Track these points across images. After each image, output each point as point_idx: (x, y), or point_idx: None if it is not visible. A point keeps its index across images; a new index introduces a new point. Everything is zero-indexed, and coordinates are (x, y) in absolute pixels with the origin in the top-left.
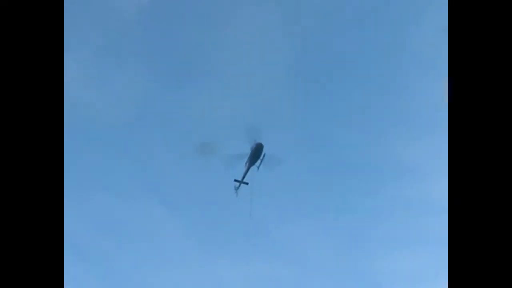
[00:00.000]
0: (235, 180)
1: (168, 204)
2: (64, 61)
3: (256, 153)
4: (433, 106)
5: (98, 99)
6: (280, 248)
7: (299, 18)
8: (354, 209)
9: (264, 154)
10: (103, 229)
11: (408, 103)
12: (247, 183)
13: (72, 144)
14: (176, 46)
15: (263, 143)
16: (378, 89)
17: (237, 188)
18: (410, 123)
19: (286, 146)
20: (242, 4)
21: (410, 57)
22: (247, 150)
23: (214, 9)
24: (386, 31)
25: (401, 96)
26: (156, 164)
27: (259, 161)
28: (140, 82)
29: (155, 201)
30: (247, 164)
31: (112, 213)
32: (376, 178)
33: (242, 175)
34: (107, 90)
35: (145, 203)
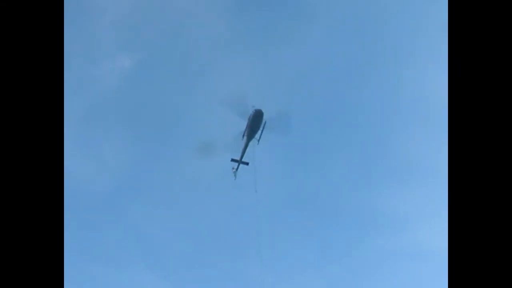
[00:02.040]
0: (232, 160)
1: (158, 269)
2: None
3: (255, 122)
4: (409, 155)
5: (82, 167)
6: None
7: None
8: (341, 263)
9: (265, 123)
10: None
11: (385, 154)
12: (247, 163)
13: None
14: (159, 108)
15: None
16: (356, 141)
17: (236, 170)
18: (388, 174)
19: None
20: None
21: (391, 108)
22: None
23: (195, 67)
24: (372, 86)
25: (377, 147)
26: (143, 229)
27: (259, 132)
28: (124, 148)
29: (143, 267)
30: (245, 137)
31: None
32: (359, 231)
33: (240, 152)
34: (90, 158)
35: (134, 270)
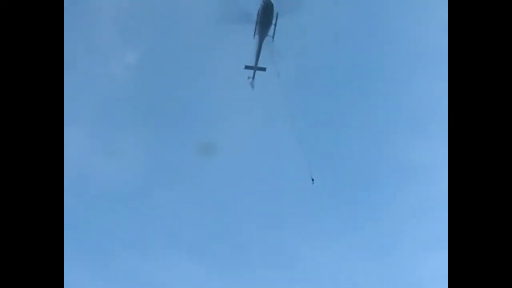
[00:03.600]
0: (247, 67)
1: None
2: (64, 138)
3: (266, 16)
4: (430, 101)
5: (105, 166)
6: (315, 273)
7: None
8: (376, 218)
9: (278, 14)
10: None
11: (404, 103)
12: (264, 69)
13: (86, 213)
14: (171, 95)
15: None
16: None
17: (252, 79)
18: (410, 122)
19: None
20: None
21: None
22: None
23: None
24: (384, 31)
25: (396, 96)
26: (171, 213)
27: (272, 27)
28: (142, 140)
29: (177, 251)
30: (257, 35)
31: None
32: (388, 182)
33: (255, 56)
34: (109, 153)
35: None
